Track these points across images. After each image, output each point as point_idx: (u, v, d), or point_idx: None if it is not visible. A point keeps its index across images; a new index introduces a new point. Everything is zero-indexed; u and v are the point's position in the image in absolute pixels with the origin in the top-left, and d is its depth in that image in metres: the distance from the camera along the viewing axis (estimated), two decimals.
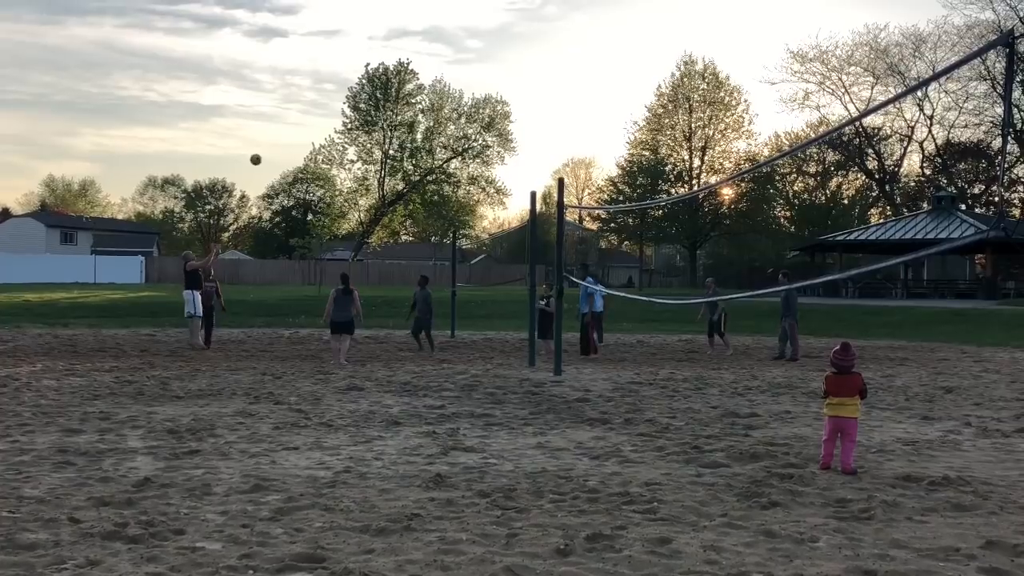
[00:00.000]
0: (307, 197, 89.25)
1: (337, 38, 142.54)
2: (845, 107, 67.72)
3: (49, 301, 32.73)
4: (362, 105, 69.48)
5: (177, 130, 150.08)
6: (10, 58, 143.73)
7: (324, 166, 71.83)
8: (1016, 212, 61.91)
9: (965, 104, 64.07)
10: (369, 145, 70.53)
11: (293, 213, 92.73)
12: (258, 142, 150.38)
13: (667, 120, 71.73)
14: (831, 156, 69.44)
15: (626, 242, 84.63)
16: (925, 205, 57.11)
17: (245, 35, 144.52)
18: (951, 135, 66.29)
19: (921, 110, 66.28)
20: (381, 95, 68.99)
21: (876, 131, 67.89)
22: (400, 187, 71.51)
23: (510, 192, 79.03)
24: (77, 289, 44.09)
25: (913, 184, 69.95)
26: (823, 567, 4.91)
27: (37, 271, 55.07)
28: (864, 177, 71.33)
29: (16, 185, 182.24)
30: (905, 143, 69.10)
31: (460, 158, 72.27)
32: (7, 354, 16.72)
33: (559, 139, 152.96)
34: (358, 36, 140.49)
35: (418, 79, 70.26)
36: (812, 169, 70.51)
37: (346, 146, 70.39)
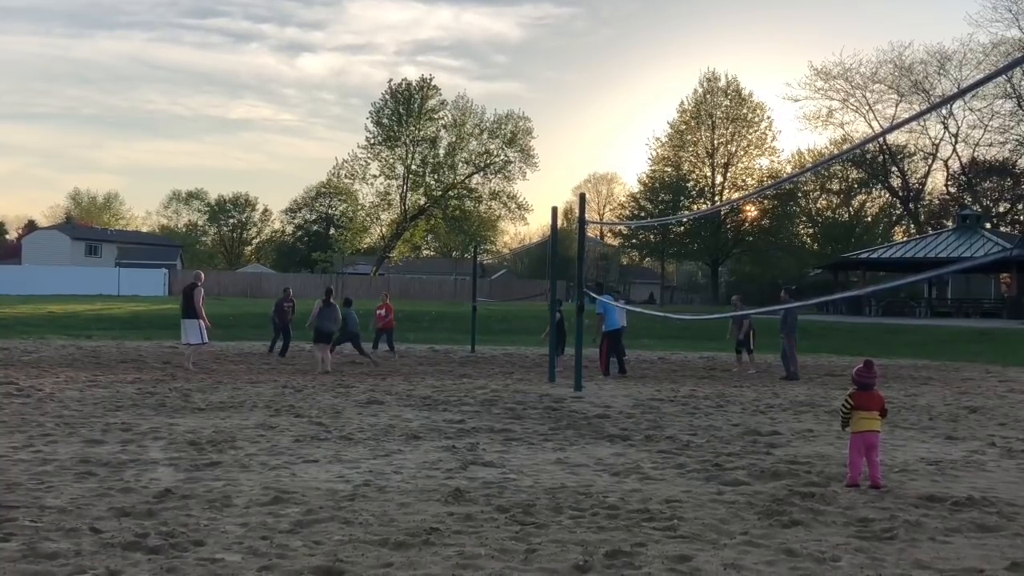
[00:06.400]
0: (329, 211, 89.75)
1: (363, 53, 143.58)
2: (869, 124, 67.32)
3: (73, 313, 33.01)
4: (385, 120, 69.82)
5: (203, 144, 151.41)
6: (40, 72, 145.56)
7: (347, 181, 72.13)
8: None
9: (990, 122, 63.64)
10: (392, 160, 70.84)
11: (315, 227, 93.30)
12: (283, 156, 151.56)
13: (689, 136, 71.53)
14: (854, 174, 69.06)
15: (647, 258, 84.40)
16: (949, 223, 56.57)
17: (272, 50, 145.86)
18: (976, 153, 65.87)
19: (946, 128, 65.88)
20: (404, 111, 69.32)
21: (900, 149, 67.51)
22: (422, 202, 71.74)
23: (531, 207, 78.95)
24: (101, 301, 44.46)
25: (937, 202, 69.43)
26: None
27: (62, 283, 55.54)
28: (888, 195, 70.89)
29: (43, 198, 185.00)
30: (929, 161, 68.69)
31: (482, 173, 72.45)
32: (31, 365, 16.89)
33: (581, 154, 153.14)
34: (384, 51, 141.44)
35: (440, 95, 70.57)
36: (835, 187, 70.13)
37: (369, 161, 70.69)
